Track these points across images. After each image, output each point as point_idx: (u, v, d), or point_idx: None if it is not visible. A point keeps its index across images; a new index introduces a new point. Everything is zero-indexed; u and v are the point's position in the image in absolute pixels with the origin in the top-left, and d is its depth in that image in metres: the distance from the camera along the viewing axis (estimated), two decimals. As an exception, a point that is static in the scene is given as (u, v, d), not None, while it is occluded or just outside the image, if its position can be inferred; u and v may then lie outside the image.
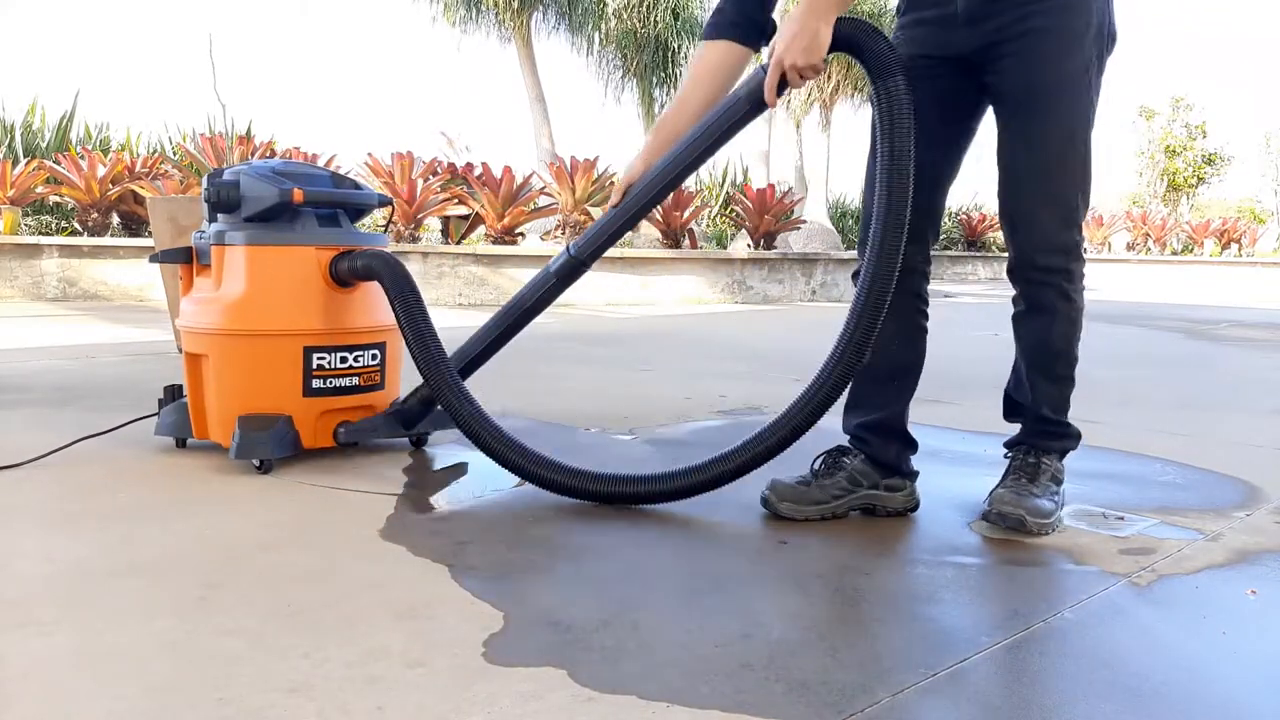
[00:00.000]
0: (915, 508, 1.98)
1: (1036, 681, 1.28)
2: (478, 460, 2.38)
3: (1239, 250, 18.30)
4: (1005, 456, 2.00)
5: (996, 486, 1.92)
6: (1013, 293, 1.94)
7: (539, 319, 2.21)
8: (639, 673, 1.24)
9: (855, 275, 2.03)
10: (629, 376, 3.86)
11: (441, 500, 2.04)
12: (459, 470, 2.30)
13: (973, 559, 1.73)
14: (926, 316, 1.99)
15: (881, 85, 1.73)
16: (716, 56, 1.95)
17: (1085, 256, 1.90)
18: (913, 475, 2.00)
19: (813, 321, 7.24)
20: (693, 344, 5.12)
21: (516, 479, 2.08)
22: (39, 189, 7.86)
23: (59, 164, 7.86)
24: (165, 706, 1.13)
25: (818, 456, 1.99)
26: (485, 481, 2.18)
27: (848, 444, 2.00)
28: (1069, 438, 1.99)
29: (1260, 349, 5.68)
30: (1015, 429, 2.03)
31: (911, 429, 2.00)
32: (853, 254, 10.20)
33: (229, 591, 1.48)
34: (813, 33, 1.70)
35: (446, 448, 2.48)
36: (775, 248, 9.45)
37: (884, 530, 1.89)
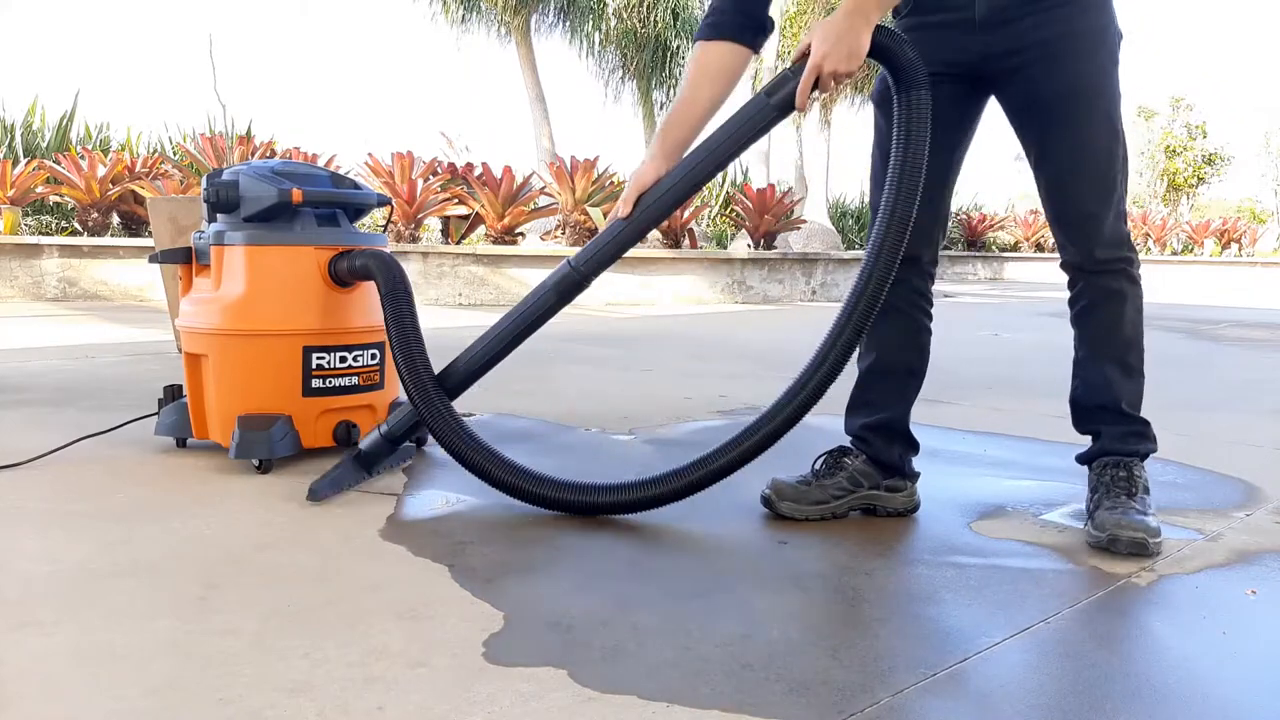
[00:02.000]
0: (915, 509, 1.98)
1: (1036, 682, 1.27)
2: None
3: (1239, 250, 18.32)
4: (1089, 468, 1.92)
5: (1094, 509, 1.82)
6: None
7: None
8: (639, 673, 1.24)
9: None
10: (629, 376, 3.86)
11: (441, 500, 2.04)
12: (460, 470, 2.29)
13: (973, 559, 1.73)
14: (930, 317, 1.99)
15: (905, 97, 1.71)
16: (718, 58, 1.87)
17: (1133, 241, 1.90)
18: (914, 476, 1.99)
19: (813, 322, 7.24)
20: (693, 344, 5.12)
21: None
22: (39, 189, 7.86)
23: (59, 164, 7.86)
24: (165, 706, 1.13)
25: (819, 456, 1.99)
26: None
27: (849, 444, 2.00)
28: (1149, 439, 1.92)
29: (1260, 349, 5.68)
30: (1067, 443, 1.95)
31: (913, 429, 2.00)
32: (854, 254, 10.25)
33: (229, 591, 1.48)
34: (856, 36, 1.66)
35: (446, 448, 2.48)
36: (775, 248, 9.45)
37: (884, 530, 1.89)
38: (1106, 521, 1.76)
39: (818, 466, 1.97)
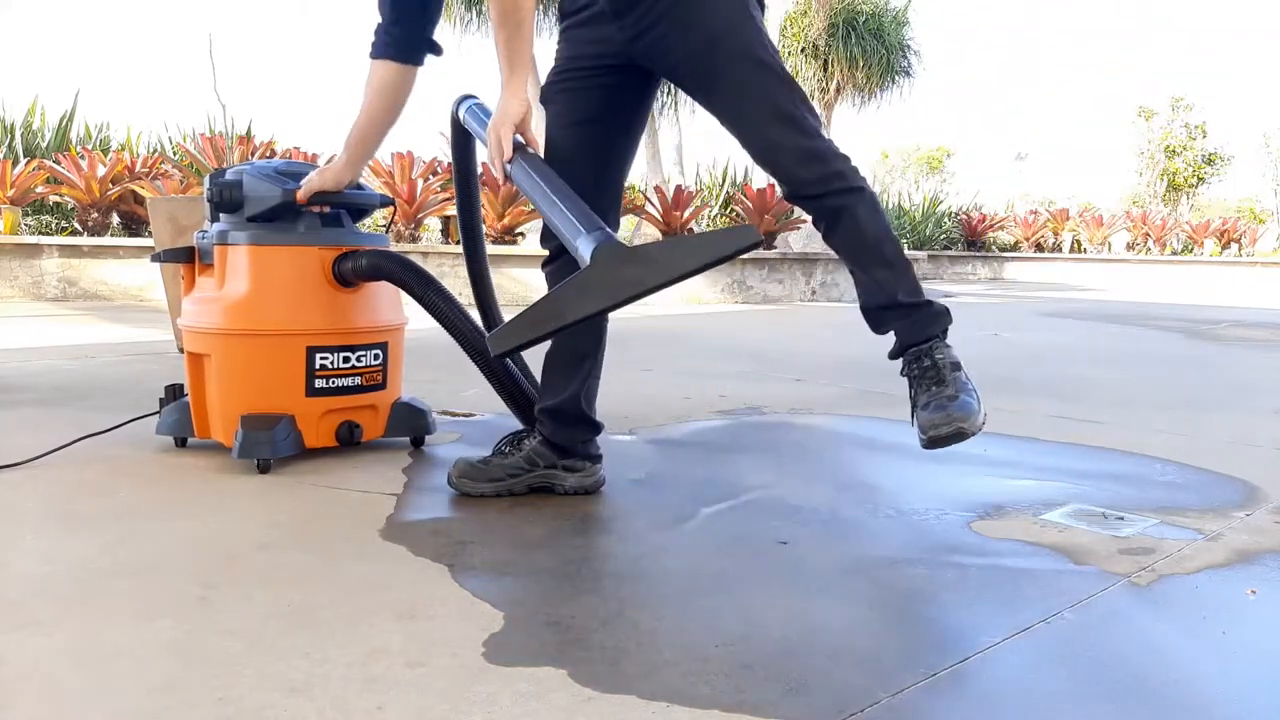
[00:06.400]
0: (595, 488, 2.07)
1: (1036, 682, 1.28)
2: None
3: (1239, 250, 18.30)
4: (902, 375, 1.90)
5: (914, 411, 1.82)
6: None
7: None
8: (639, 673, 1.24)
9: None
10: (629, 376, 3.86)
11: (442, 500, 2.04)
12: (459, 470, 2.29)
13: (973, 559, 1.73)
14: None
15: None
16: (390, 75, 2.17)
17: (842, 152, 1.87)
18: (595, 458, 2.09)
19: (813, 321, 7.24)
20: (693, 344, 5.12)
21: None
22: (39, 189, 7.87)
23: (59, 164, 7.87)
24: (165, 706, 1.13)
25: (504, 437, 2.12)
26: (485, 481, 2.18)
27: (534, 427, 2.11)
28: (939, 314, 1.89)
29: (1260, 349, 5.68)
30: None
31: (594, 414, 2.09)
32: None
33: (229, 591, 1.48)
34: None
35: (447, 447, 2.48)
36: (775, 248, 9.45)
37: (884, 530, 1.89)
38: (925, 423, 1.78)
39: (501, 447, 2.09)
